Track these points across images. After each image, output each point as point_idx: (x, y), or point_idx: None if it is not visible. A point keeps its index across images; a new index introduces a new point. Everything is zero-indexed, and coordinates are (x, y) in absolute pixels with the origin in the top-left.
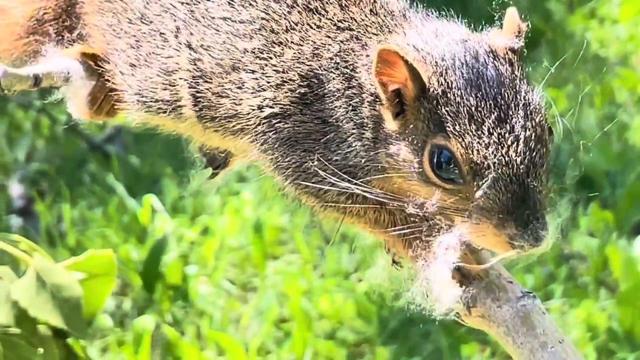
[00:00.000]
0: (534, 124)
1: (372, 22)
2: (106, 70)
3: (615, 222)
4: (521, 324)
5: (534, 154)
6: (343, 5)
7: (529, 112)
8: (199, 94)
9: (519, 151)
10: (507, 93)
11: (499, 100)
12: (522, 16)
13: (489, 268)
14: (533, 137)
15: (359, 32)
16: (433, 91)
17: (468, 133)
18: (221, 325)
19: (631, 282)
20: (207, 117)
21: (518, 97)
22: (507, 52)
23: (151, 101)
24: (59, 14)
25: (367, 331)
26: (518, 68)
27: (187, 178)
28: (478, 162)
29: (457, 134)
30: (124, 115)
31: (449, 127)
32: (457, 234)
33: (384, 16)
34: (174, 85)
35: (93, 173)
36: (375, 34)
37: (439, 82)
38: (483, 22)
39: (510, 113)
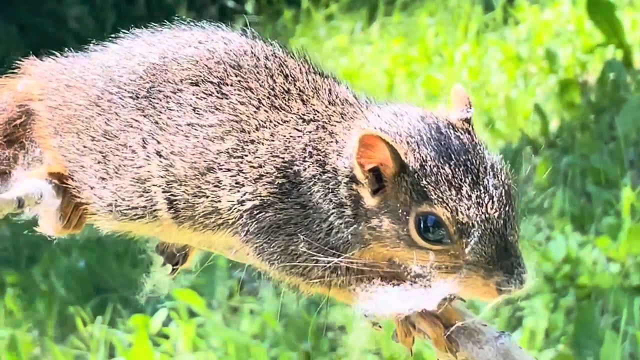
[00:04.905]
0: (501, 182)
1: (334, 111)
2: (72, 186)
3: None
4: None
5: (507, 207)
6: (304, 99)
7: (496, 173)
8: (174, 197)
9: (495, 207)
10: (474, 159)
11: (469, 165)
12: None
13: (465, 315)
14: (503, 194)
15: (324, 122)
16: (412, 166)
17: (450, 198)
18: None
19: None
20: (184, 216)
21: (484, 160)
22: (463, 123)
23: (126, 209)
24: (0, 142)
25: None
26: (475, 135)
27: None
28: (464, 222)
29: (440, 200)
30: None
31: (432, 195)
32: (445, 288)
33: (342, 105)
34: (148, 192)
35: None
36: (338, 122)
37: (415, 157)
38: None
39: (481, 176)
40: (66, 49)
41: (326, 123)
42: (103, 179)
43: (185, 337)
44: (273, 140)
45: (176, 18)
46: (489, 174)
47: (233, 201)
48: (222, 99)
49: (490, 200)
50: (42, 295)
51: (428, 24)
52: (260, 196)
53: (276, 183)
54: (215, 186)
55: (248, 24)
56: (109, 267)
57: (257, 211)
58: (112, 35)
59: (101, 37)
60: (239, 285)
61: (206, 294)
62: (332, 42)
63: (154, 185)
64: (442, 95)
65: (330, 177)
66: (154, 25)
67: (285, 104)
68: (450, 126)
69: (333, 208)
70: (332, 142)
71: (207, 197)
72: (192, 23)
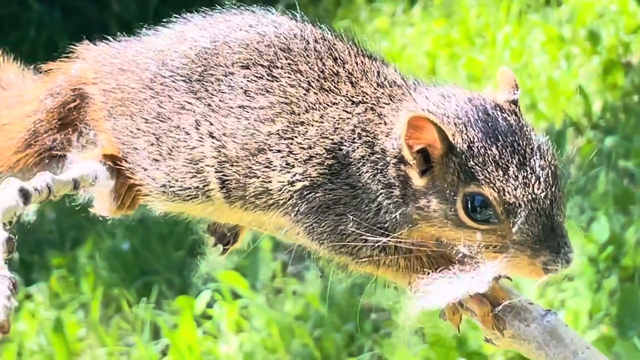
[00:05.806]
0: (548, 162)
1: (382, 93)
2: (125, 168)
3: None
4: (550, 338)
5: (554, 188)
6: (353, 82)
7: (542, 154)
8: (226, 177)
9: (541, 188)
10: (521, 140)
11: (516, 147)
12: None
13: (511, 293)
14: (550, 174)
15: (372, 104)
16: (459, 147)
17: (497, 179)
18: None
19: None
20: (236, 196)
21: (530, 142)
22: (509, 105)
23: (180, 190)
24: (55, 125)
25: None
26: (522, 117)
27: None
28: (511, 202)
29: (488, 181)
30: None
31: (479, 176)
32: (493, 269)
33: (390, 87)
34: (201, 173)
35: None
36: (387, 104)
37: (462, 138)
38: None
39: (528, 157)
40: (109, 32)
41: (375, 105)
42: (156, 160)
43: (229, 319)
44: (322, 122)
45: (226, 2)
46: (536, 155)
47: (283, 182)
48: (272, 81)
49: (537, 181)
50: (87, 277)
51: (470, 5)
52: (310, 177)
53: (326, 164)
54: (265, 167)
55: (298, 5)
56: (153, 249)
57: (307, 192)
58: (155, 18)
59: (144, 20)
60: (283, 267)
61: (249, 276)
62: (373, 25)
63: (206, 165)
64: (484, 77)
65: (378, 158)
66: (198, 7)
67: (335, 87)
68: (497, 108)
69: (382, 188)
70: (380, 123)
71: (258, 177)
72: (241, 7)
